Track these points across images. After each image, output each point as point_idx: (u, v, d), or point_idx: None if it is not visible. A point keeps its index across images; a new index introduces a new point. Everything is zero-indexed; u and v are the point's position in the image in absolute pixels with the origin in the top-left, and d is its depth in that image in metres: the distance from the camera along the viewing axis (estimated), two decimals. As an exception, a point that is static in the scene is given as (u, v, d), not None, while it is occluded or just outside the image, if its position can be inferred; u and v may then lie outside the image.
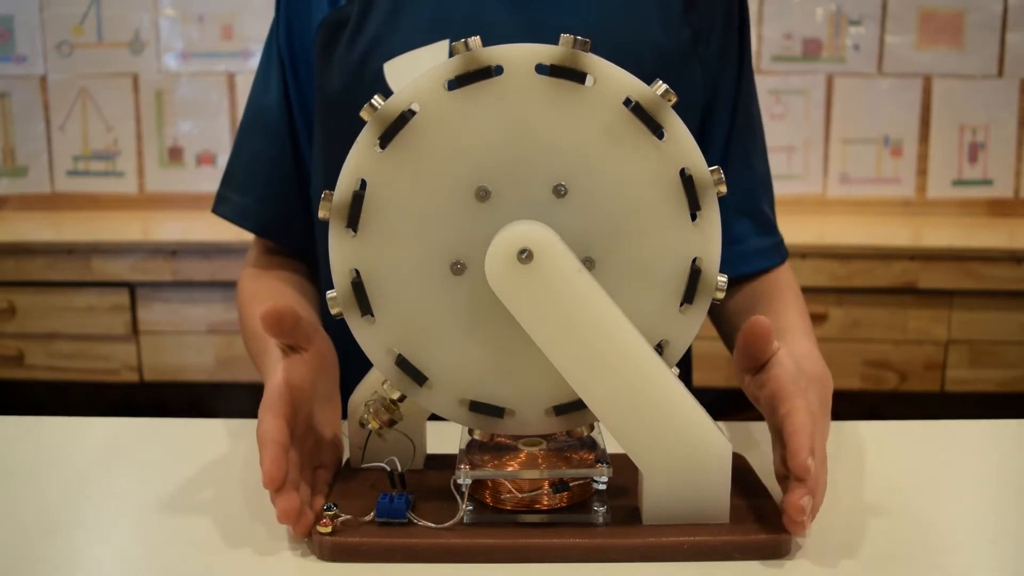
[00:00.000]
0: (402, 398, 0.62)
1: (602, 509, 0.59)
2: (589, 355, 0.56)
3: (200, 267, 2.08)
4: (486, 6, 0.81)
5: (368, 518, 0.59)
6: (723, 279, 0.58)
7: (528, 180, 0.57)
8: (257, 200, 0.90)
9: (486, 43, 0.55)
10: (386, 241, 0.57)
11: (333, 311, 0.58)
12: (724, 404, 0.89)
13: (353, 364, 0.71)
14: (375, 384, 0.65)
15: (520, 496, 0.60)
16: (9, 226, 2.30)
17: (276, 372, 0.64)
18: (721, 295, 0.58)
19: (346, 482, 0.66)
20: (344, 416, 0.71)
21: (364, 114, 0.56)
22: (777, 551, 0.57)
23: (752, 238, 0.90)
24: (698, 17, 0.84)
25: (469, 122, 0.56)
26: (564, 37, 0.55)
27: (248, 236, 0.97)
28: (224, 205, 0.92)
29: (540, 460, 0.61)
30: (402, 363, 0.59)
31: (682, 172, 0.56)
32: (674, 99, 0.56)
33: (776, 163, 2.42)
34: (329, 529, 0.58)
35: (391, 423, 0.63)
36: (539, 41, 0.55)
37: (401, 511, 0.59)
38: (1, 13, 2.44)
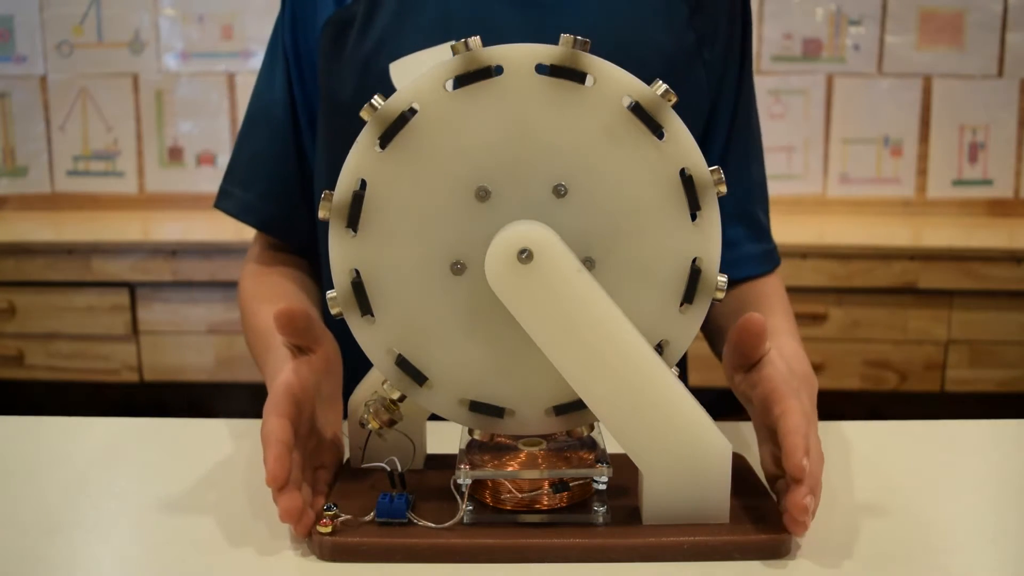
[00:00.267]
0: (402, 398, 0.62)
1: (602, 509, 0.59)
2: (589, 355, 0.56)
3: (200, 267, 2.09)
4: (492, 7, 0.81)
5: (368, 518, 0.59)
6: (723, 279, 0.58)
7: (528, 180, 0.57)
8: (259, 196, 0.90)
9: (492, 43, 0.55)
10: (386, 241, 0.57)
11: (333, 311, 0.58)
12: (724, 404, 0.89)
13: (346, 363, 0.71)
14: (375, 384, 0.65)
15: (520, 496, 0.60)
16: (9, 226, 2.30)
17: (282, 372, 0.64)
18: (721, 295, 0.58)
19: (346, 482, 0.66)
20: (344, 416, 0.71)
21: (364, 114, 0.56)
22: (777, 551, 0.57)
23: (744, 244, 0.90)
24: (703, 21, 0.84)
25: (469, 122, 0.56)
26: (564, 37, 0.55)
27: (248, 234, 0.97)
28: (226, 200, 0.92)
29: (540, 460, 0.61)
30: (402, 363, 0.59)
31: (682, 172, 0.56)
32: (674, 99, 0.56)
33: (776, 163, 2.43)
34: (329, 529, 0.58)
35: (391, 423, 0.63)
36: (545, 42, 0.55)
37: (401, 511, 0.59)
38: (1, 13, 2.44)
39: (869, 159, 2.42)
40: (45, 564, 0.58)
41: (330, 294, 0.58)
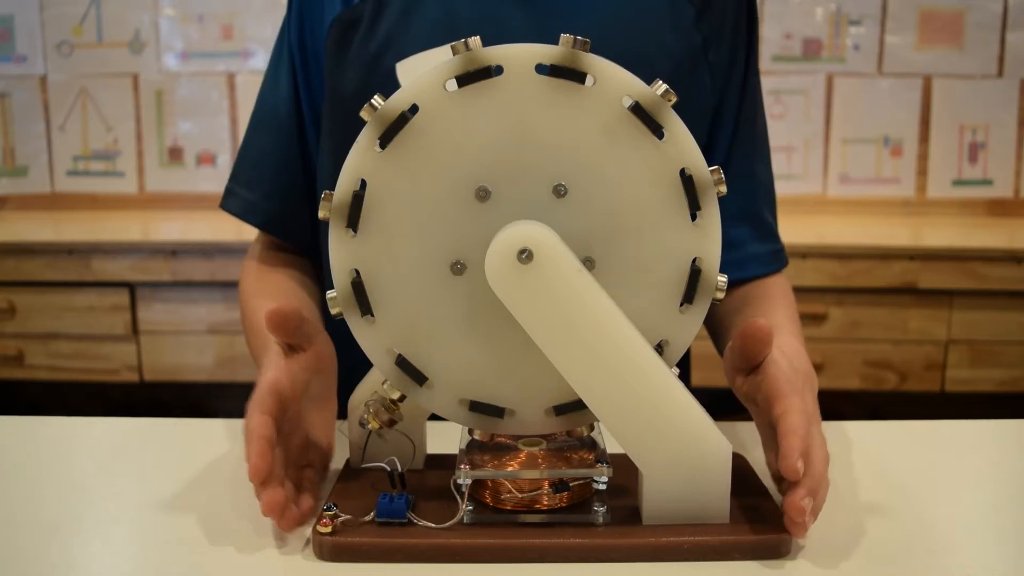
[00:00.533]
0: (402, 398, 0.62)
1: (602, 509, 0.59)
2: (589, 355, 0.56)
3: (200, 267, 2.08)
4: (497, 7, 0.81)
5: (368, 518, 0.59)
6: (723, 279, 0.58)
7: (528, 180, 0.57)
8: (262, 196, 0.91)
9: (497, 44, 0.55)
10: (386, 241, 0.57)
11: (333, 311, 0.58)
12: (724, 404, 0.89)
13: (345, 363, 0.71)
14: (375, 384, 0.65)
15: (520, 496, 0.60)
16: (9, 226, 2.29)
17: (268, 370, 0.64)
18: (721, 295, 0.58)
19: (346, 482, 0.66)
20: (344, 416, 0.71)
21: (364, 114, 0.56)
22: (777, 551, 0.57)
23: (750, 244, 0.90)
24: (709, 23, 0.84)
25: (469, 122, 0.56)
26: (564, 37, 0.55)
27: (249, 234, 0.97)
28: (231, 200, 0.93)
29: (540, 460, 0.61)
30: (402, 363, 0.59)
31: (682, 172, 0.56)
32: (674, 99, 0.56)
33: (776, 163, 2.40)
34: (329, 529, 0.58)
35: (391, 423, 0.63)
36: (550, 42, 0.55)
37: (401, 511, 0.59)
38: (1, 13, 2.44)
39: (869, 159, 2.42)
40: (45, 564, 0.58)
41: (330, 294, 0.58)
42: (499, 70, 0.56)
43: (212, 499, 0.67)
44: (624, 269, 0.58)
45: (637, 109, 0.55)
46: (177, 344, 2.14)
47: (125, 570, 0.58)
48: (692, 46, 0.83)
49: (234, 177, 0.93)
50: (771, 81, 2.39)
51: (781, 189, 0.99)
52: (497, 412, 0.60)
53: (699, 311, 0.58)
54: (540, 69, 0.55)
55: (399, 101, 0.56)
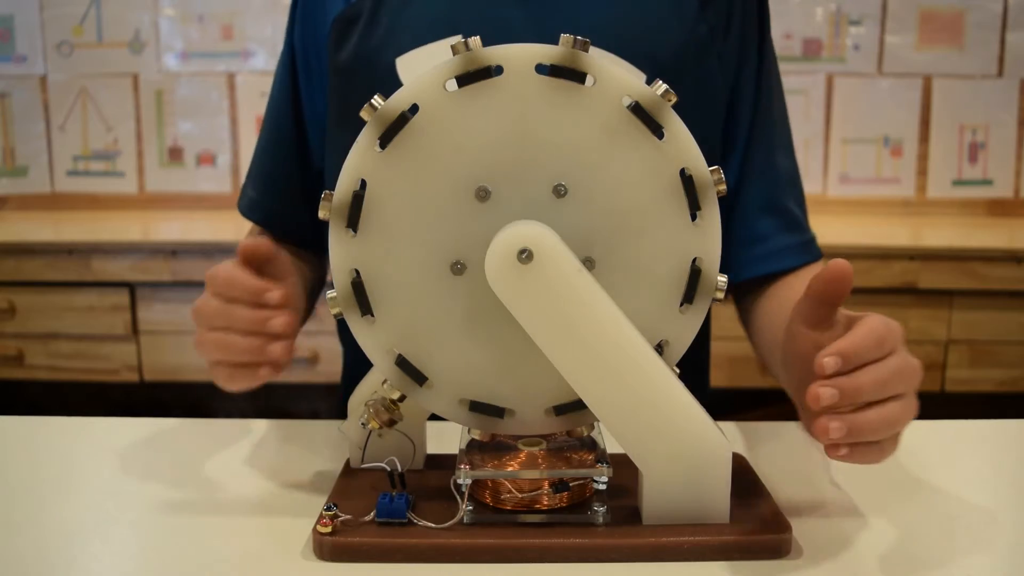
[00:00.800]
0: (402, 398, 0.62)
1: (602, 509, 0.59)
2: (589, 355, 0.56)
3: (200, 267, 2.08)
4: (497, 4, 0.81)
5: (368, 518, 0.59)
6: (723, 279, 0.58)
7: (528, 180, 0.57)
8: (262, 193, 0.92)
9: (497, 41, 0.55)
10: (386, 241, 0.57)
11: (333, 311, 0.58)
12: (724, 404, 0.88)
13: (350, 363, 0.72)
14: (375, 384, 0.65)
15: (520, 496, 0.60)
16: (9, 226, 2.29)
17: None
18: (721, 295, 0.58)
19: (346, 482, 0.66)
20: (344, 416, 0.71)
21: (364, 114, 0.56)
22: (777, 551, 0.57)
23: (776, 236, 0.86)
24: (715, 13, 0.83)
25: (469, 122, 0.56)
26: (564, 37, 0.55)
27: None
28: (240, 198, 0.94)
29: (540, 460, 0.61)
30: (402, 363, 0.59)
31: (682, 172, 0.56)
32: (674, 99, 0.56)
33: (776, 163, 2.42)
34: (329, 529, 0.58)
35: (391, 423, 0.63)
36: (550, 40, 0.55)
37: (401, 511, 0.59)
38: (1, 13, 2.44)
39: (869, 159, 2.41)
40: (45, 564, 0.58)
41: (330, 294, 0.58)
42: (499, 70, 0.56)
43: (212, 499, 0.67)
44: (624, 269, 0.58)
45: (637, 109, 0.55)
46: (177, 344, 2.14)
47: (125, 570, 0.58)
48: (697, 37, 0.82)
49: (247, 175, 0.96)
50: (771, 81, 2.39)
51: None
52: (497, 412, 0.60)
53: (699, 311, 0.58)
54: (540, 69, 0.55)
55: (399, 101, 0.56)
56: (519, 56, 0.55)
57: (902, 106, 2.40)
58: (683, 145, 0.56)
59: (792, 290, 0.82)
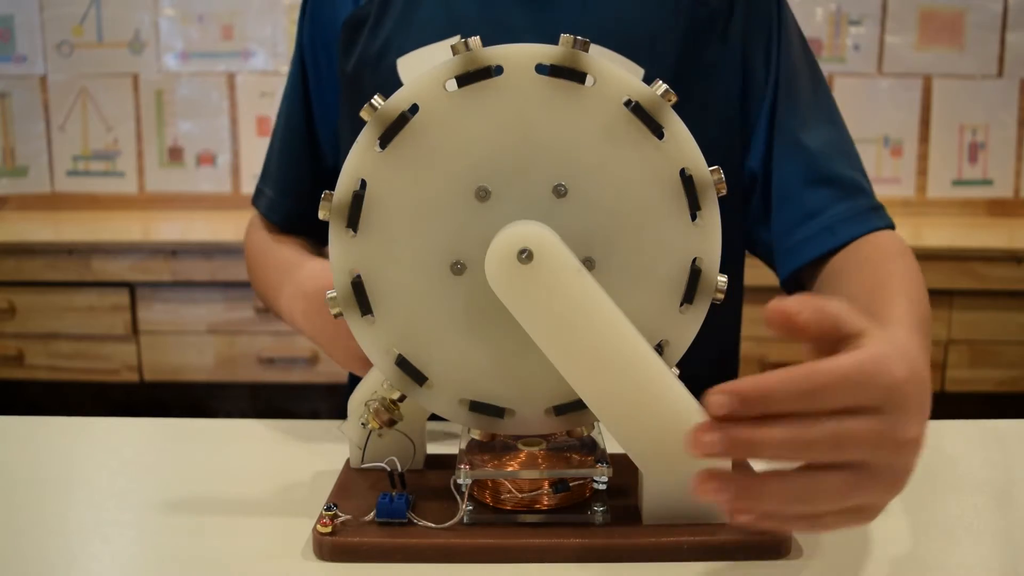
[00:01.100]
0: (402, 398, 0.62)
1: (602, 509, 0.59)
2: (589, 355, 0.56)
3: (200, 267, 2.08)
4: (499, 5, 0.81)
5: (368, 518, 0.59)
6: (723, 279, 0.58)
7: (528, 180, 0.57)
8: (279, 192, 0.94)
9: (499, 42, 0.55)
10: (386, 241, 0.57)
11: (333, 311, 0.58)
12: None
13: None
14: (375, 384, 0.65)
15: (520, 496, 0.60)
16: (9, 226, 2.29)
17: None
18: (721, 295, 0.58)
19: (346, 482, 0.66)
20: (344, 416, 0.71)
21: (364, 114, 0.56)
22: (777, 551, 0.57)
23: (832, 206, 0.77)
24: None
25: (469, 122, 0.56)
26: (564, 37, 0.55)
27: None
28: (259, 198, 0.96)
29: (540, 460, 0.61)
30: (402, 363, 0.59)
31: (682, 172, 0.56)
32: (674, 99, 0.56)
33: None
34: (329, 529, 0.58)
35: (391, 423, 0.63)
36: (551, 40, 0.55)
37: (401, 511, 0.59)
38: (1, 13, 2.44)
39: (869, 159, 2.42)
40: (45, 564, 0.58)
41: (330, 294, 0.58)
42: (499, 70, 0.56)
43: (212, 499, 0.67)
44: (624, 269, 0.58)
45: (637, 109, 0.55)
46: (177, 344, 2.14)
47: (125, 570, 0.58)
48: (699, 23, 0.81)
49: (260, 175, 0.97)
50: (771, 81, 2.39)
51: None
52: (497, 412, 0.60)
53: (699, 311, 0.58)
54: (540, 69, 0.55)
55: (399, 101, 0.56)
56: (519, 56, 0.55)
57: (902, 106, 2.40)
58: (683, 145, 0.56)
59: (846, 267, 0.72)
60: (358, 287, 0.58)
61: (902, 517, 0.64)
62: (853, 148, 0.82)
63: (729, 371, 0.95)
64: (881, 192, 2.52)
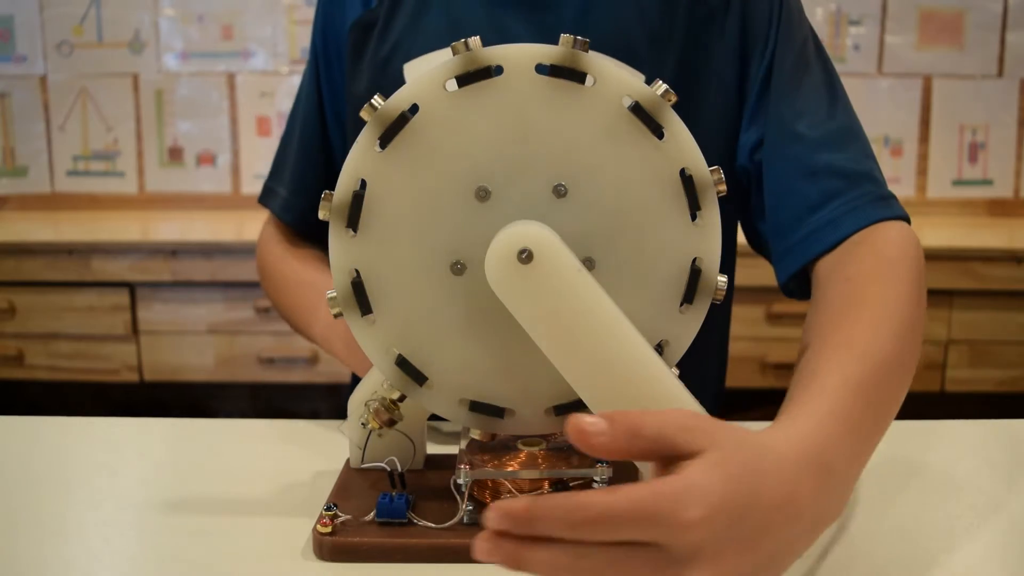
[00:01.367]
0: (402, 398, 0.62)
1: (602, 509, 0.59)
2: (589, 355, 0.56)
3: (200, 267, 2.08)
4: (503, 15, 0.82)
5: (368, 518, 0.59)
6: (723, 279, 0.58)
7: (528, 180, 0.57)
8: (292, 193, 0.94)
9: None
10: (386, 241, 0.57)
11: (333, 311, 0.58)
12: (724, 404, 0.89)
13: None
14: (375, 384, 0.65)
15: (520, 496, 0.60)
16: (9, 226, 2.29)
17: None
18: (721, 295, 0.58)
19: (346, 482, 0.66)
20: (344, 416, 0.71)
21: (364, 114, 0.56)
22: (777, 551, 0.57)
23: (835, 197, 0.71)
24: None
25: (469, 122, 0.56)
26: (564, 37, 0.55)
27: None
28: (270, 198, 0.95)
29: (540, 460, 0.61)
30: (402, 363, 0.59)
31: (682, 172, 0.56)
32: (674, 99, 0.56)
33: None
34: (329, 529, 0.58)
35: (391, 423, 0.63)
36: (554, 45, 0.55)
37: (401, 511, 0.59)
38: (1, 13, 2.44)
39: (869, 159, 2.42)
40: (45, 564, 0.58)
41: (330, 294, 0.58)
42: (499, 70, 0.56)
43: (212, 499, 0.67)
44: (624, 269, 0.58)
45: (637, 109, 0.55)
46: (177, 344, 2.14)
47: (125, 570, 0.58)
48: (701, 23, 0.80)
49: (271, 174, 0.97)
50: (771, 81, 2.39)
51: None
52: (497, 412, 0.60)
53: (699, 311, 0.58)
54: (540, 69, 0.55)
55: (399, 101, 0.56)
56: (519, 56, 0.55)
57: (902, 106, 2.40)
58: (683, 145, 0.56)
59: (844, 280, 0.65)
60: (358, 287, 0.58)
61: (902, 517, 0.64)
62: (861, 136, 0.76)
63: (719, 370, 0.95)
64: (881, 192, 2.43)
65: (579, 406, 0.59)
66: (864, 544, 0.60)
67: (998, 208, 2.44)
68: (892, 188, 0.74)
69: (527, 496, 0.43)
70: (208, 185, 2.46)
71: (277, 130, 2.44)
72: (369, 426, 0.64)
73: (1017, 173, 2.43)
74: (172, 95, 2.46)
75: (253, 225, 2.12)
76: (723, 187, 0.57)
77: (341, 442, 0.71)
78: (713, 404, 0.89)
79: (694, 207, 0.57)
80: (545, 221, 0.56)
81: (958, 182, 2.43)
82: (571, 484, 0.60)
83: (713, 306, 0.60)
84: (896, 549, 0.59)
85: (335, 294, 0.58)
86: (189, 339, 2.13)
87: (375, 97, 0.56)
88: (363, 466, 0.67)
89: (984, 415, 0.86)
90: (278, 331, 2.10)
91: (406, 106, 0.56)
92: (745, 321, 2.03)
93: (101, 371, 2.15)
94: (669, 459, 0.44)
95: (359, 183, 0.57)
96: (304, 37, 2.42)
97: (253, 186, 2.44)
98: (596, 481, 0.59)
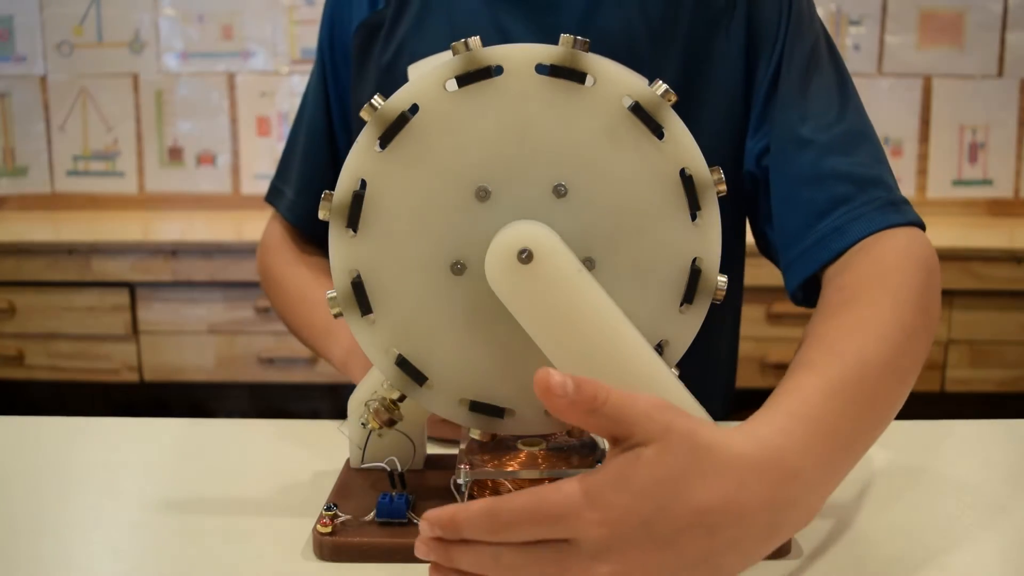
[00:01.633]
0: (402, 398, 0.62)
1: (602, 509, 0.59)
2: (589, 355, 0.56)
3: (200, 267, 2.08)
4: (505, 13, 0.82)
5: (368, 518, 0.59)
6: (723, 279, 0.58)
7: (528, 180, 0.57)
8: (297, 193, 0.94)
9: None
10: (386, 241, 0.57)
11: (333, 311, 0.58)
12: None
13: None
14: (375, 384, 0.65)
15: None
16: (9, 226, 2.29)
17: None
18: (721, 295, 0.58)
19: (346, 482, 0.66)
20: (344, 416, 0.71)
21: (364, 114, 0.56)
22: (777, 551, 0.57)
23: (843, 202, 0.69)
24: None
25: (469, 122, 0.56)
26: (564, 37, 0.55)
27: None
28: (277, 198, 0.96)
29: (540, 460, 0.61)
30: (402, 363, 0.59)
31: (682, 172, 0.56)
32: (674, 99, 0.56)
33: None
34: (329, 529, 0.58)
35: (391, 423, 0.63)
36: None
37: (401, 511, 0.59)
38: (1, 13, 2.44)
39: (869, 159, 2.42)
40: (45, 564, 0.58)
41: (330, 294, 0.58)
42: (499, 70, 0.56)
43: (212, 499, 0.67)
44: (624, 269, 0.58)
45: (637, 109, 0.55)
46: (177, 344, 2.14)
47: (125, 570, 0.58)
48: (706, 28, 0.80)
49: (278, 174, 0.97)
50: (771, 81, 2.39)
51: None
52: (497, 412, 0.60)
53: (699, 311, 0.58)
54: (540, 69, 0.55)
55: (399, 101, 0.56)
56: (519, 56, 0.55)
57: (902, 106, 2.41)
58: (683, 145, 0.56)
59: (837, 290, 0.64)
60: (358, 287, 0.58)
61: (902, 517, 0.64)
62: (872, 139, 0.75)
63: (727, 373, 0.95)
64: (881, 192, 2.42)
65: (579, 406, 0.59)
66: (864, 544, 0.60)
67: (998, 208, 2.44)
68: (892, 188, 0.74)
69: (453, 505, 0.47)
70: (208, 185, 2.46)
71: (277, 130, 2.44)
72: (369, 426, 0.63)
73: (1017, 173, 2.43)
74: (172, 95, 2.46)
75: (253, 225, 2.12)
76: (723, 187, 0.57)
77: (341, 442, 0.71)
78: (722, 408, 0.89)
79: (694, 207, 0.57)
80: (545, 221, 0.56)
81: (958, 182, 2.43)
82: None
83: (720, 308, 0.60)
84: (896, 549, 0.59)
85: (335, 294, 0.58)
86: (189, 339, 2.13)
87: (375, 97, 0.56)
88: (363, 466, 0.67)
89: (984, 415, 0.86)
90: (278, 331, 2.10)
91: (406, 106, 0.56)
92: (745, 321, 2.02)
93: (101, 371, 2.15)
94: (622, 441, 0.46)
95: (359, 183, 0.57)
96: (304, 37, 2.42)
97: (253, 186, 2.44)
98: (596, 481, 0.59)
